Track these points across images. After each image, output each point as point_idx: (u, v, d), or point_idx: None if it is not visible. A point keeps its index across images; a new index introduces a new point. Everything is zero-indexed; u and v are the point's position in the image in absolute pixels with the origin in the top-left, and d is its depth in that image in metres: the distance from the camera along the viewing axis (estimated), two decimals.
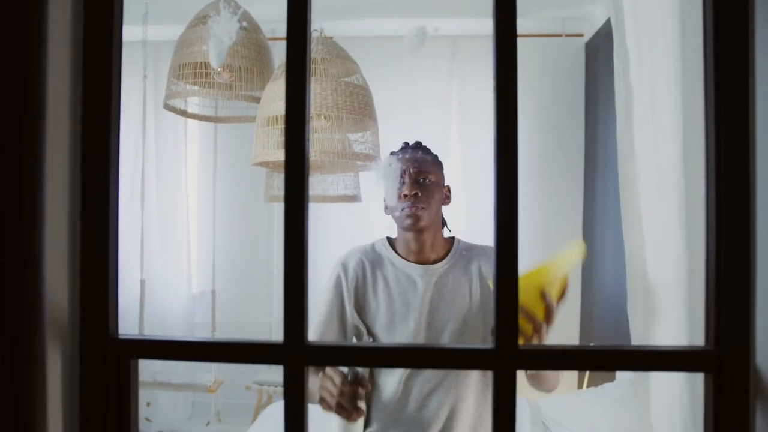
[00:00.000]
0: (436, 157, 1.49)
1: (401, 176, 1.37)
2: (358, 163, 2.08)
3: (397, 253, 1.45)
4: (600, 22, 3.24)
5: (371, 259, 1.46)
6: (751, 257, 0.55)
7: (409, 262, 1.42)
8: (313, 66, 1.83)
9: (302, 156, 0.55)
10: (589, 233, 3.48)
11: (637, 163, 0.95)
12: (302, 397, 0.56)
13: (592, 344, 3.04)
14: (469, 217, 3.44)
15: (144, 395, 3.47)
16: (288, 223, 0.55)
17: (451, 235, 1.50)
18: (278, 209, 3.38)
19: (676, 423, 0.83)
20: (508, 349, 0.54)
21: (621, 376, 2.72)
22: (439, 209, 1.43)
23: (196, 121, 2.82)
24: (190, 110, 2.33)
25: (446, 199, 1.46)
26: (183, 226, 3.74)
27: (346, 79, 1.88)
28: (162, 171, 3.74)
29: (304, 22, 0.55)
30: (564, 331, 3.51)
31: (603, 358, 0.61)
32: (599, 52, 3.24)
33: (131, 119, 3.48)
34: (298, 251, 0.55)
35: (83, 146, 0.58)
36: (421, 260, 1.42)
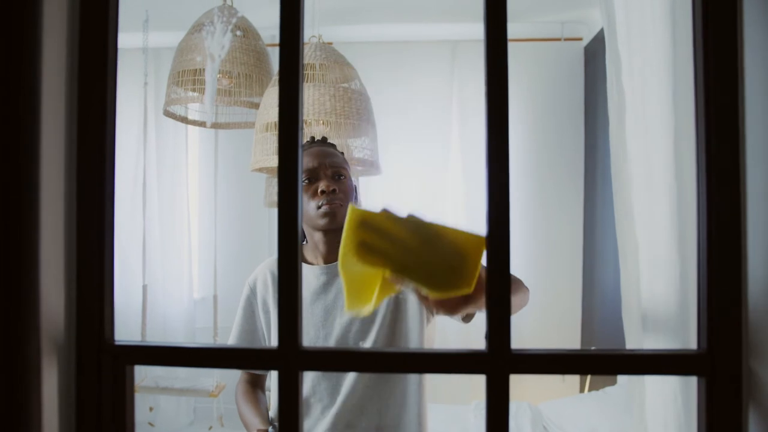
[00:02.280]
0: (343, 154, 1.42)
1: (315, 171, 1.29)
2: (358, 168, 2.09)
3: (302, 258, 1.37)
4: (599, 26, 3.24)
5: (277, 271, 1.39)
6: (742, 260, 0.55)
7: (307, 265, 1.36)
8: (311, 72, 1.84)
9: (295, 162, 0.56)
10: (589, 237, 3.48)
11: (629, 167, 0.96)
12: (297, 401, 0.56)
13: (593, 348, 3.04)
14: (471, 222, 3.45)
15: (147, 400, 3.48)
16: (281, 228, 0.56)
17: None
18: None
19: (670, 426, 0.83)
20: (501, 353, 0.54)
21: (622, 379, 2.72)
22: None
23: (197, 127, 2.84)
24: (190, 116, 2.35)
25: (355, 198, 1.38)
26: (184, 231, 3.75)
27: (344, 85, 1.89)
28: (163, 177, 3.76)
29: (297, 28, 0.56)
30: (565, 334, 3.51)
31: (597, 362, 0.61)
32: (598, 55, 3.25)
33: (132, 126, 3.50)
34: (291, 257, 0.56)
35: (79, 153, 0.59)
36: (329, 261, 1.34)
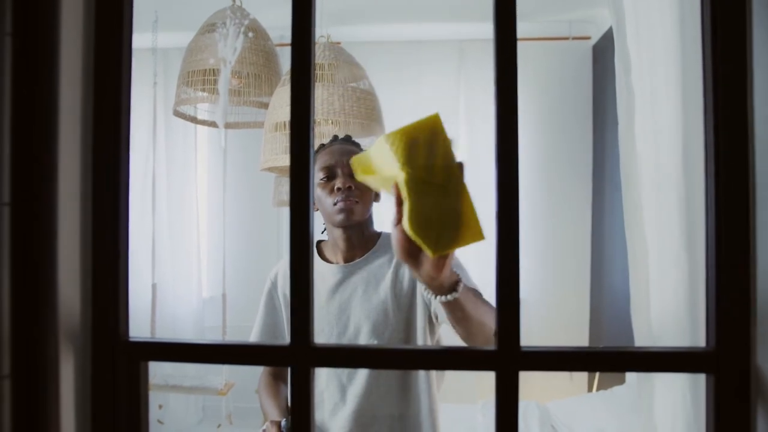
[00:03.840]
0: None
1: (332, 169, 1.31)
2: None
3: (322, 255, 1.40)
4: (607, 25, 3.23)
5: None
6: (750, 258, 0.56)
7: (326, 263, 1.37)
8: (320, 71, 1.85)
9: (306, 161, 0.56)
10: (597, 236, 3.47)
11: (638, 166, 0.96)
12: (309, 397, 0.57)
13: (601, 346, 3.02)
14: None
15: (156, 397, 3.50)
16: (293, 227, 0.57)
17: (380, 230, 1.42)
18: (287, 214, 3.38)
19: (679, 425, 0.83)
20: (510, 351, 0.55)
21: (631, 378, 2.71)
22: (371, 206, 1.36)
23: (206, 127, 2.86)
24: (200, 116, 2.36)
25: (377, 196, 1.38)
26: (193, 230, 3.77)
27: (352, 85, 1.90)
28: (172, 176, 3.78)
29: (308, 28, 0.57)
30: (573, 334, 3.51)
31: (605, 359, 0.61)
32: (606, 54, 3.24)
33: (142, 126, 3.52)
34: (303, 255, 0.56)
35: (94, 152, 0.60)
36: (348, 260, 1.36)
